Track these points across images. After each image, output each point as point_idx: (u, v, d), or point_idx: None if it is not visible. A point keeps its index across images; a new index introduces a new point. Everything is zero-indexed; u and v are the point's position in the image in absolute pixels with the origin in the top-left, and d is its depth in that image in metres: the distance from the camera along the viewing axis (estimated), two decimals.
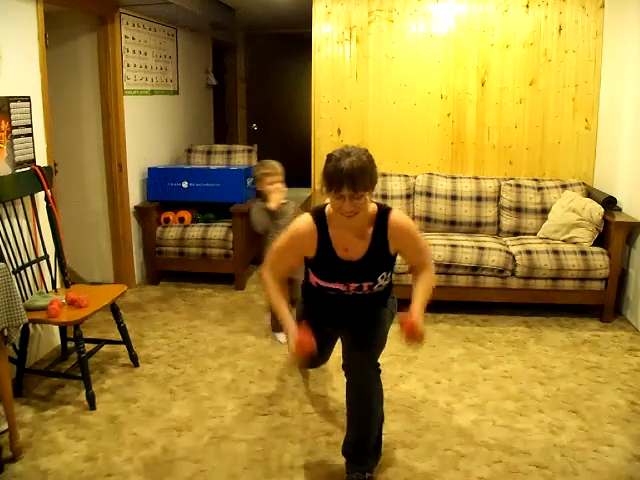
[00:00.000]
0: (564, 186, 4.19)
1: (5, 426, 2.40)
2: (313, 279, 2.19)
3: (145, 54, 4.58)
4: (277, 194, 3.38)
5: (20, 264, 2.92)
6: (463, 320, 3.82)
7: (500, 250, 3.77)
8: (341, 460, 2.26)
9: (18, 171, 3.02)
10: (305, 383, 2.99)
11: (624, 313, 3.88)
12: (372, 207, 2.09)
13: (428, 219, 4.24)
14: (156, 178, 4.55)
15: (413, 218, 4.28)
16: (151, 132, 4.74)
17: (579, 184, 4.21)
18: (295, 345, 2.01)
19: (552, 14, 4.30)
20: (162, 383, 3.00)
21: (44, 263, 3.16)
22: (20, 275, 2.88)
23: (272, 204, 3.34)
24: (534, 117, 4.41)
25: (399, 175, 4.35)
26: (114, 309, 3.05)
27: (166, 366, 3.18)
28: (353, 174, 1.88)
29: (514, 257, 3.75)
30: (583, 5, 4.25)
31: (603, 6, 4.22)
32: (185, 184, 4.53)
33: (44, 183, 3.09)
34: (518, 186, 4.21)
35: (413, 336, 2.00)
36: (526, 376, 3.07)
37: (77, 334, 2.72)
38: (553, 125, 4.41)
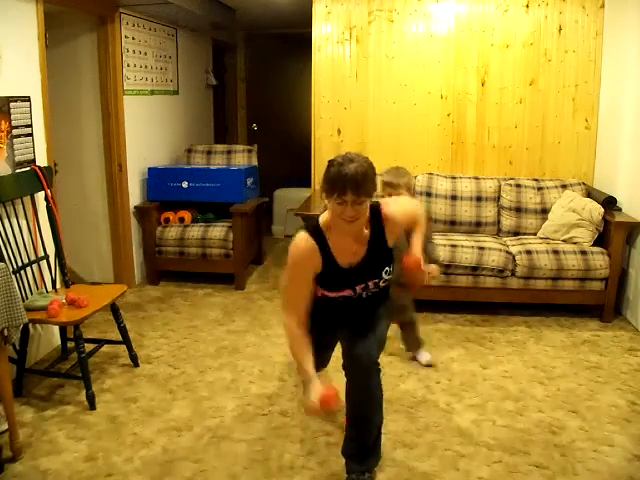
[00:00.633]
0: (564, 186, 4.19)
1: (5, 426, 2.40)
2: (318, 291, 2.14)
3: (145, 54, 4.58)
4: None
5: (20, 264, 2.92)
6: (463, 320, 3.82)
7: (500, 250, 3.77)
8: (341, 460, 2.27)
9: (18, 171, 3.02)
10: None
11: (624, 313, 3.87)
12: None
13: (428, 219, 4.23)
14: (156, 178, 4.55)
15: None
16: (151, 132, 4.74)
17: (579, 184, 4.21)
18: (320, 401, 1.88)
19: (552, 14, 4.30)
20: (162, 383, 3.00)
21: (44, 263, 3.16)
22: (20, 275, 2.88)
23: None
24: (534, 117, 4.41)
25: None
26: (114, 309, 3.05)
27: (166, 366, 3.18)
28: (357, 179, 1.88)
29: (514, 257, 3.75)
30: (583, 5, 4.25)
31: (603, 6, 4.22)
32: (185, 184, 4.53)
33: (44, 183, 3.09)
34: (518, 186, 4.21)
35: (416, 271, 2.16)
36: (526, 376, 3.07)
37: (77, 334, 2.72)
38: (553, 125, 4.41)
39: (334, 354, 2.52)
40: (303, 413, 2.70)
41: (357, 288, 2.11)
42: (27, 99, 3.08)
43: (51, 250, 3.16)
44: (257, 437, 2.52)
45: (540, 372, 3.11)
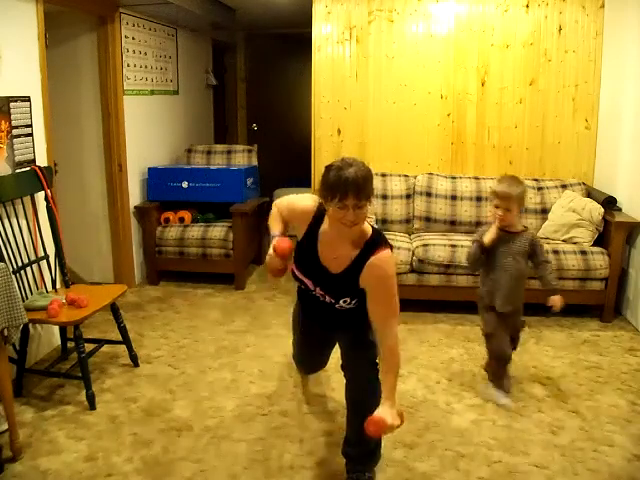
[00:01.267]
0: (564, 186, 4.19)
1: (5, 426, 2.40)
2: (293, 265, 2.22)
3: (145, 54, 4.58)
4: (494, 227, 2.72)
5: (20, 264, 2.92)
6: (463, 320, 3.82)
7: None
8: (341, 460, 2.27)
9: (18, 171, 3.02)
10: (305, 383, 2.98)
11: (624, 313, 3.87)
12: (367, 228, 2.04)
13: (428, 219, 4.24)
14: (156, 178, 4.56)
15: (413, 218, 4.28)
16: (151, 132, 4.74)
17: (579, 184, 4.21)
18: (274, 247, 2.14)
19: (552, 14, 4.29)
20: (162, 383, 3.00)
21: (44, 263, 3.16)
22: (20, 275, 2.88)
23: (486, 238, 2.73)
24: (534, 117, 4.41)
25: (399, 175, 4.35)
26: (114, 309, 3.06)
27: (166, 366, 3.18)
28: (358, 182, 1.87)
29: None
30: (583, 5, 4.25)
31: (603, 6, 4.21)
32: (185, 184, 4.53)
33: (44, 183, 3.09)
34: None
35: (376, 433, 1.90)
36: (526, 376, 3.07)
37: (77, 334, 2.72)
38: (553, 125, 4.41)
39: (333, 354, 2.52)
40: (302, 412, 2.70)
41: (317, 289, 2.14)
42: (27, 99, 3.08)
43: (51, 250, 3.16)
44: (257, 437, 2.52)
45: (540, 372, 3.11)
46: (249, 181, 4.67)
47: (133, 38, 4.37)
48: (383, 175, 4.29)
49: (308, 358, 2.72)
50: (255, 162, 4.99)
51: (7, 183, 2.86)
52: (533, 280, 3.73)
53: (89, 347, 2.97)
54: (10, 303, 2.27)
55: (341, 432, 2.41)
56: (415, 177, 4.36)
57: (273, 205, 2.38)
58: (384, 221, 4.23)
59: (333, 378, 2.98)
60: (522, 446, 2.45)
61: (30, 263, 3.01)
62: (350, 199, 1.88)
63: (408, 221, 4.29)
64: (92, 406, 2.73)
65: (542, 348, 3.41)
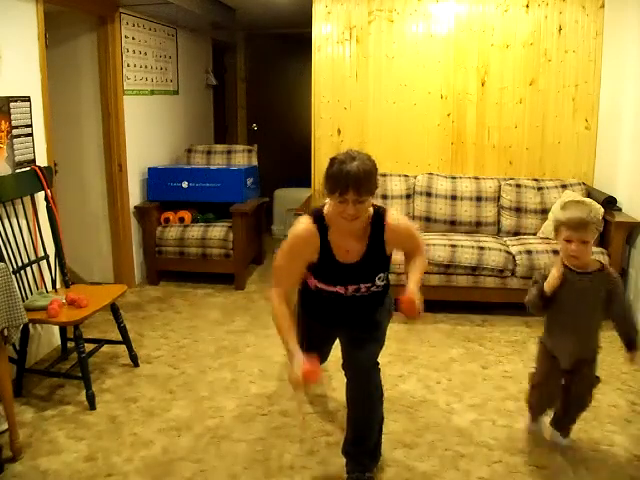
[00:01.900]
0: (564, 186, 4.19)
1: (5, 426, 2.40)
2: (313, 283, 2.17)
3: (145, 54, 4.58)
4: (559, 266, 2.17)
5: (20, 264, 2.92)
6: (463, 320, 3.82)
7: (500, 250, 3.77)
8: (341, 460, 2.26)
9: (18, 171, 3.02)
10: (307, 392, 2.98)
11: None
12: (369, 209, 2.08)
13: (428, 219, 4.24)
14: (156, 178, 4.56)
15: (413, 218, 4.28)
16: (151, 132, 4.74)
17: (579, 184, 4.21)
18: (302, 375, 1.90)
19: (552, 14, 4.29)
20: (162, 383, 3.00)
21: (44, 263, 3.16)
22: (20, 275, 2.88)
23: (548, 284, 2.17)
24: (534, 117, 4.41)
25: (399, 175, 4.35)
26: (114, 309, 3.05)
27: (166, 366, 3.18)
28: (359, 178, 1.88)
29: (514, 257, 3.75)
30: (583, 5, 4.25)
31: (603, 6, 4.21)
32: (185, 184, 4.53)
33: (44, 183, 3.09)
34: (518, 186, 4.21)
35: (411, 311, 1.99)
36: (526, 376, 3.05)
37: (77, 334, 2.72)
38: (553, 125, 4.40)
39: (334, 354, 2.52)
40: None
41: (349, 288, 2.12)
42: (27, 99, 3.08)
43: (51, 250, 3.16)
44: (257, 437, 2.52)
45: None
46: (249, 181, 4.67)
47: (133, 38, 4.37)
48: (383, 175, 4.28)
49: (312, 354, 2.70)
50: (255, 162, 4.99)
51: (7, 183, 2.86)
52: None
53: (89, 347, 2.97)
54: (10, 303, 2.27)
55: (341, 432, 2.41)
56: (415, 177, 4.36)
57: (271, 296, 2.10)
58: None
59: (334, 378, 2.98)
60: (522, 446, 2.45)
61: (30, 263, 3.01)
62: (350, 194, 1.88)
63: None
64: (92, 406, 2.73)
65: None
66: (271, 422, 2.63)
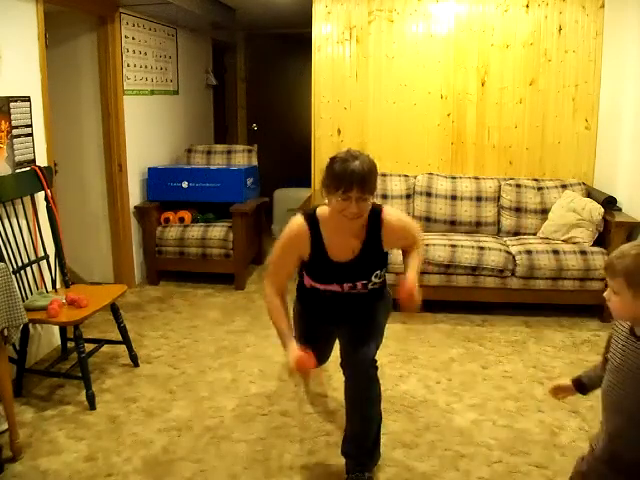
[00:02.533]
0: (564, 186, 4.19)
1: (5, 426, 2.40)
2: (307, 281, 2.20)
3: (145, 54, 4.58)
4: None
5: (20, 264, 2.92)
6: (463, 320, 3.82)
7: (500, 250, 3.77)
8: (341, 460, 2.26)
9: (18, 171, 3.02)
10: (305, 383, 2.98)
11: None
12: None
13: (428, 219, 4.24)
14: (156, 178, 4.55)
15: (413, 218, 4.27)
16: (151, 132, 4.74)
17: (579, 184, 4.21)
18: (295, 363, 1.96)
19: (552, 14, 4.29)
20: (162, 383, 3.00)
21: (44, 263, 3.16)
22: (20, 275, 2.88)
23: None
24: (534, 117, 4.41)
25: (399, 175, 4.35)
26: (114, 309, 3.05)
27: (166, 366, 3.18)
28: (363, 175, 1.90)
29: (514, 257, 3.75)
30: (583, 5, 4.25)
31: (603, 6, 4.21)
32: (185, 184, 4.53)
33: (44, 183, 3.09)
34: (518, 186, 4.22)
35: (409, 302, 2.01)
36: (526, 376, 3.07)
37: (77, 334, 2.72)
38: (553, 125, 4.41)
39: (333, 353, 2.52)
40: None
41: (345, 286, 2.13)
42: (27, 99, 3.08)
43: (51, 250, 3.16)
44: (257, 437, 2.52)
45: (540, 372, 3.11)
46: (249, 181, 4.67)
47: (133, 38, 4.37)
48: (383, 175, 4.28)
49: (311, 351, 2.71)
50: (255, 162, 4.99)
51: (7, 183, 2.86)
52: (533, 280, 3.75)
53: (89, 347, 2.97)
54: (10, 303, 2.27)
55: (341, 432, 2.41)
56: (415, 177, 4.36)
57: (265, 290, 2.19)
58: None
59: (334, 378, 2.98)
60: (522, 446, 2.45)
61: (30, 263, 3.01)
62: (354, 191, 1.89)
63: None
64: (92, 406, 2.73)
65: (542, 348, 3.41)
66: (271, 422, 2.63)
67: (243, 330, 3.68)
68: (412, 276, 2.07)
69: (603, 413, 1.54)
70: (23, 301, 2.56)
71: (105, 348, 3.25)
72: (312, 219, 2.10)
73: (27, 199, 3.06)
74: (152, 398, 2.84)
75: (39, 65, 3.20)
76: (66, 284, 3.17)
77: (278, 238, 2.18)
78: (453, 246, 3.80)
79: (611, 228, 3.73)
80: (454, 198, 4.20)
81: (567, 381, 1.73)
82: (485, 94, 4.44)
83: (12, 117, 2.96)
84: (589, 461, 1.59)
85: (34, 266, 3.06)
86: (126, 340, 3.13)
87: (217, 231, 4.42)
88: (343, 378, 2.21)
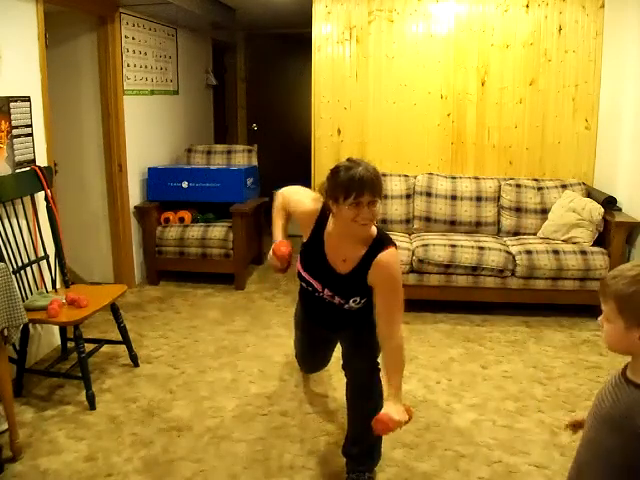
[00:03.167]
0: (564, 186, 4.19)
1: (5, 426, 2.40)
2: (298, 265, 2.21)
3: (145, 54, 4.58)
4: None
5: (20, 264, 2.91)
6: (463, 320, 3.82)
7: (500, 250, 3.77)
8: (341, 460, 2.27)
9: (18, 171, 3.02)
10: (305, 383, 2.99)
11: None
12: (372, 227, 2.03)
13: (428, 219, 4.24)
14: (156, 178, 4.55)
15: (413, 218, 4.28)
16: (151, 132, 4.74)
17: (579, 184, 4.21)
18: (273, 250, 2.21)
19: (552, 14, 4.29)
20: (162, 383, 3.00)
21: (44, 263, 3.16)
22: (20, 275, 2.88)
23: None
24: (534, 117, 4.41)
25: (399, 175, 4.35)
26: (114, 309, 3.05)
27: (166, 366, 3.18)
28: (372, 179, 1.89)
29: (514, 257, 3.75)
30: (583, 5, 4.25)
31: (603, 6, 4.21)
32: (185, 184, 4.52)
33: (44, 183, 3.09)
34: (518, 186, 4.21)
35: (383, 430, 1.87)
36: (526, 376, 3.07)
37: (77, 334, 2.72)
38: (553, 125, 4.40)
39: (335, 354, 2.52)
40: (302, 413, 2.69)
41: (325, 290, 2.13)
42: (27, 99, 3.08)
43: (51, 250, 3.16)
44: (257, 437, 2.52)
45: (540, 372, 3.11)
46: (249, 181, 4.67)
47: (133, 38, 4.37)
48: (383, 175, 4.23)
49: (310, 358, 2.72)
50: (255, 162, 4.99)
51: (7, 183, 2.86)
52: (533, 280, 3.75)
53: (89, 347, 2.97)
54: (10, 303, 2.27)
55: (341, 432, 2.41)
56: (415, 177, 4.36)
57: (279, 194, 2.35)
58: (384, 221, 4.23)
59: (334, 378, 2.98)
60: (522, 446, 2.45)
61: (30, 263, 3.01)
62: (366, 196, 1.88)
63: (408, 221, 4.29)
64: (92, 406, 2.73)
65: (542, 348, 3.41)
66: (271, 422, 2.63)
67: (243, 330, 3.67)
68: (391, 407, 1.87)
69: (580, 444, 1.40)
70: (23, 301, 2.56)
71: (105, 348, 3.25)
72: (325, 212, 2.09)
73: (27, 199, 3.06)
74: (152, 398, 2.84)
75: (39, 65, 3.20)
76: (66, 284, 3.17)
77: (300, 188, 2.31)
78: (453, 246, 3.80)
79: (611, 228, 3.73)
80: (454, 198, 4.20)
81: (584, 414, 1.48)
82: (485, 94, 4.43)
83: (12, 117, 2.96)
84: None
85: (34, 266, 3.06)
86: (126, 340, 3.13)
87: (217, 231, 4.42)
88: (344, 378, 2.21)
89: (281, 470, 2.30)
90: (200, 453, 2.41)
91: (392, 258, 2.02)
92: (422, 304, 3.91)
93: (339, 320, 2.22)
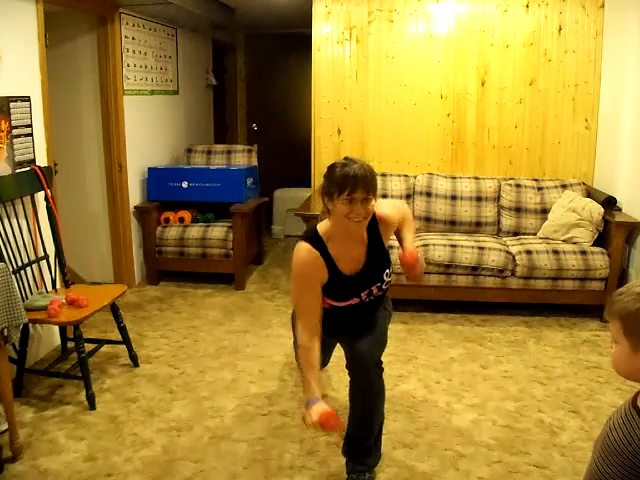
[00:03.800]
0: (564, 186, 4.19)
1: (5, 426, 2.40)
2: (327, 303, 2.08)
3: (145, 54, 4.58)
4: None
5: (20, 264, 2.91)
6: (463, 320, 3.82)
7: (500, 250, 3.77)
8: (341, 460, 2.27)
9: (18, 171, 3.02)
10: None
11: None
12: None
13: (428, 219, 4.24)
14: (156, 178, 4.55)
15: (413, 218, 4.28)
16: (151, 132, 4.74)
17: (579, 184, 4.21)
18: (319, 420, 1.79)
19: (552, 14, 4.29)
20: (162, 383, 3.00)
21: (44, 263, 3.16)
22: (20, 275, 2.88)
23: None
24: (534, 117, 4.41)
25: (399, 175, 4.35)
26: (114, 309, 3.05)
27: (166, 366, 3.18)
28: (366, 176, 1.92)
29: (514, 257, 3.75)
30: (583, 5, 4.25)
31: (603, 6, 4.21)
32: (185, 184, 4.53)
33: (44, 183, 3.09)
34: (518, 186, 4.22)
35: (414, 268, 2.16)
36: (526, 376, 3.07)
37: (77, 334, 2.72)
38: (553, 125, 4.41)
39: (334, 354, 2.52)
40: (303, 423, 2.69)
41: (362, 295, 2.11)
42: (27, 99, 3.08)
43: (51, 250, 3.16)
44: (257, 437, 2.52)
45: (540, 372, 3.11)
46: (249, 181, 4.67)
47: (133, 38, 4.37)
48: (383, 175, 4.28)
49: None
50: (255, 162, 4.99)
51: (7, 183, 2.86)
52: (533, 280, 3.75)
53: (89, 347, 2.97)
54: (10, 303, 2.27)
55: (341, 432, 2.41)
56: (415, 177, 4.36)
57: (300, 335, 1.98)
58: None
59: (334, 378, 2.98)
60: (522, 446, 2.45)
61: (30, 263, 3.01)
62: (359, 192, 1.90)
63: None
64: (92, 406, 2.73)
65: (542, 348, 3.41)
66: (271, 422, 2.63)
67: (243, 330, 3.67)
68: (411, 244, 2.21)
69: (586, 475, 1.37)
70: (23, 301, 2.56)
71: (105, 348, 3.25)
72: (317, 240, 2.02)
73: (27, 199, 3.06)
74: (152, 398, 2.84)
75: (39, 65, 3.20)
76: (66, 284, 3.17)
77: (291, 277, 2.04)
78: (453, 246, 3.80)
79: (611, 228, 3.73)
80: (454, 198, 4.20)
81: None
82: (485, 94, 4.43)
83: (12, 117, 2.96)
84: None
85: (34, 266, 3.06)
86: (126, 340, 3.13)
87: (217, 231, 4.42)
88: (343, 378, 2.21)
89: (281, 470, 2.30)
90: (200, 453, 2.41)
91: (384, 206, 2.16)
92: (422, 304, 3.91)
93: (368, 317, 2.20)
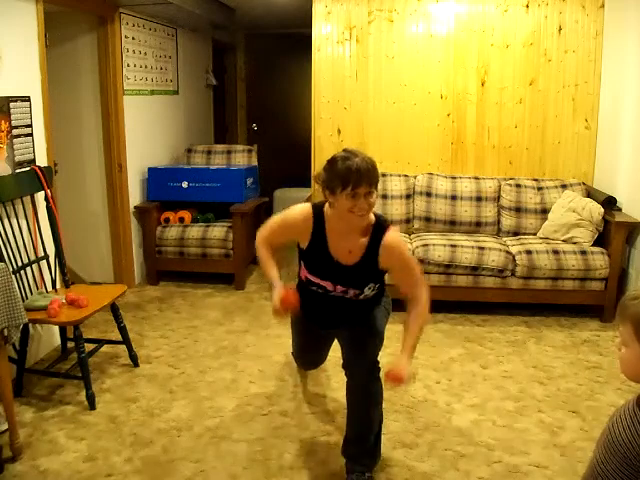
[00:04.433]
0: (564, 186, 4.19)
1: (5, 426, 2.40)
2: (303, 272, 2.18)
3: (145, 54, 4.58)
4: None
5: (20, 264, 2.91)
6: (463, 320, 3.82)
7: (500, 250, 3.77)
8: (341, 460, 2.27)
9: (18, 171, 3.02)
10: (304, 383, 2.99)
11: None
12: (371, 215, 2.05)
13: (428, 219, 4.24)
14: (156, 178, 4.56)
15: (413, 218, 4.29)
16: (151, 132, 4.74)
17: (579, 184, 4.21)
18: (279, 300, 2.02)
19: (552, 14, 4.29)
20: (162, 383, 3.00)
21: (44, 263, 3.16)
22: (20, 275, 2.88)
23: None
24: (534, 117, 4.41)
25: (399, 175, 4.35)
26: (114, 309, 3.05)
27: (166, 366, 3.18)
28: (369, 169, 1.91)
29: (514, 257, 3.75)
30: (583, 5, 4.25)
31: (603, 6, 4.21)
32: (185, 184, 4.53)
33: (44, 183, 3.09)
34: (518, 186, 4.22)
35: (396, 384, 1.97)
36: (526, 376, 3.07)
37: (77, 334, 2.72)
38: (553, 125, 4.41)
39: (334, 354, 2.52)
40: (300, 412, 2.69)
41: (338, 287, 2.12)
42: (27, 99, 3.08)
43: (51, 250, 3.16)
44: (257, 437, 2.52)
45: (540, 372, 3.11)
46: (249, 181, 4.67)
47: (133, 38, 4.37)
48: (383, 175, 4.28)
49: (308, 356, 2.71)
50: (255, 162, 4.99)
51: (7, 183, 2.86)
52: (533, 280, 3.75)
53: (89, 347, 2.97)
54: (10, 303, 2.27)
55: (341, 432, 2.41)
56: (415, 177, 4.36)
57: (257, 239, 2.22)
58: None
59: (333, 379, 2.98)
60: (522, 446, 2.45)
61: (30, 263, 3.01)
62: (363, 187, 1.89)
63: (408, 221, 4.29)
64: (92, 406, 2.73)
65: (542, 348, 3.41)
66: (271, 422, 2.63)
67: (243, 330, 3.68)
68: (404, 363, 1.96)
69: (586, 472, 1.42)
70: (23, 301, 2.56)
71: (105, 348, 3.25)
72: (319, 212, 2.08)
73: (27, 199, 3.06)
74: (152, 398, 2.84)
75: (39, 65, 3.20)
76: (66, 284, 3.17)
77: (278, 213, 2.19)
78: (453, 246, 3.80)
79: (611, 228, 3.73)
80: (454, 198, 4.20)
81: None
82: (485, 94, 4.43)
83: (12, 117, 2.96)
84: None
85: (34, 266, 3.06)
86: (126, 340, 3.13)
87: (217, 231, 4.42)
88: (343, 378, 2.21)
89: (281, 470, 2.30)
90: (200, 453, 2.41)
91: (396, 236, 2.10)
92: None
93: (347, 314, 2.20)
